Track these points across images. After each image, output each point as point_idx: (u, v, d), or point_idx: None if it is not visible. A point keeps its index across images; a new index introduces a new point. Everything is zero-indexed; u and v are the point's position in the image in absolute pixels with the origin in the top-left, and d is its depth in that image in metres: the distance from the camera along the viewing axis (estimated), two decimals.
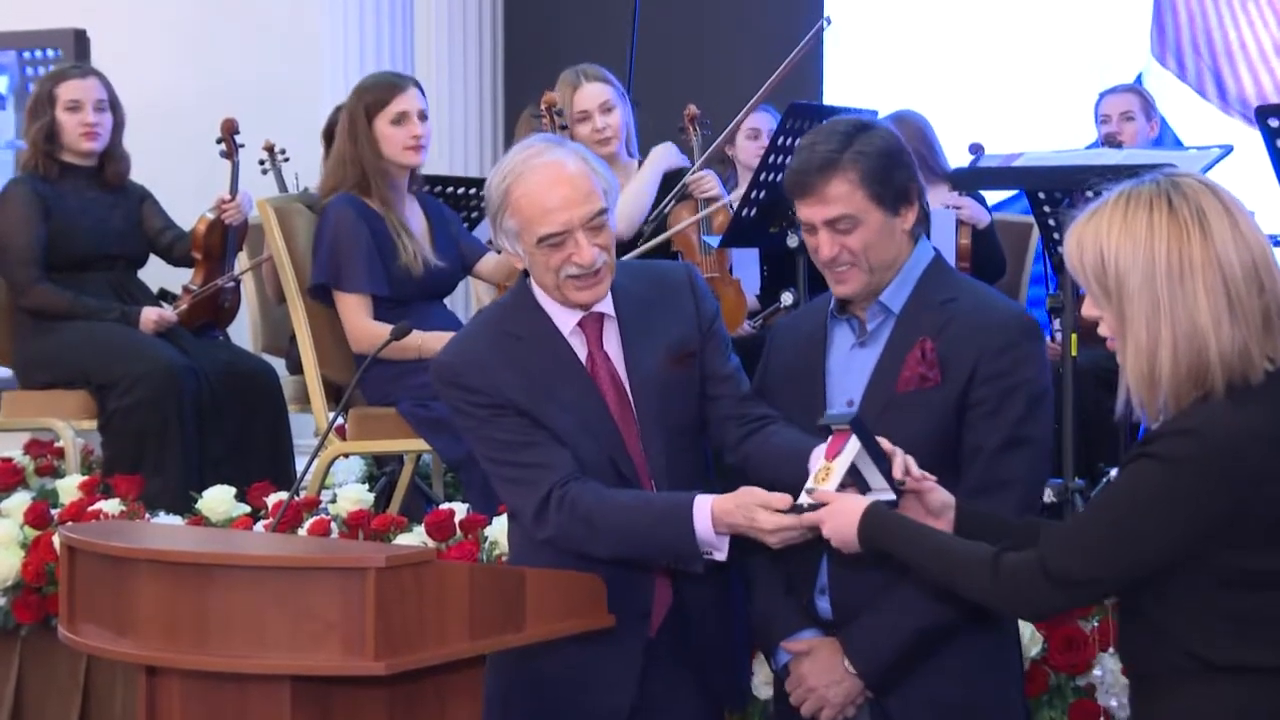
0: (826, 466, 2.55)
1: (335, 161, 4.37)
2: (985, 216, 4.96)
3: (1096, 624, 3.30)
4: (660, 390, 2.82)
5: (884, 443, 2.53)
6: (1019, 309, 2.83)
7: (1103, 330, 2.29)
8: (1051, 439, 2.83)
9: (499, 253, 2.86)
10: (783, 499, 2.59)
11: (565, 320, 2.84)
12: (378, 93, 4.33)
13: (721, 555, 2.69)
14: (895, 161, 2.75)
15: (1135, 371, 2.23)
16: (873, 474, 2.53)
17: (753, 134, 5.55)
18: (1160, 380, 2.20)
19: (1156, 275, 2.18)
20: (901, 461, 2.51)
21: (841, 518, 2.44)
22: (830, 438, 2.56)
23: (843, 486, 2.52)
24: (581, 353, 2.84)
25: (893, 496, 2.51)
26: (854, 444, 2.52)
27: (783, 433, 2.83)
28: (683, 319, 2.89)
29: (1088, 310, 2.29)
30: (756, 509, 2.61)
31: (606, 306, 2.85)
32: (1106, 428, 4.21)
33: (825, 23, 4.64)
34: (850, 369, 2.81)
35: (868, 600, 2.75)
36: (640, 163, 4.79)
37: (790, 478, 2.64)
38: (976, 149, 5.05)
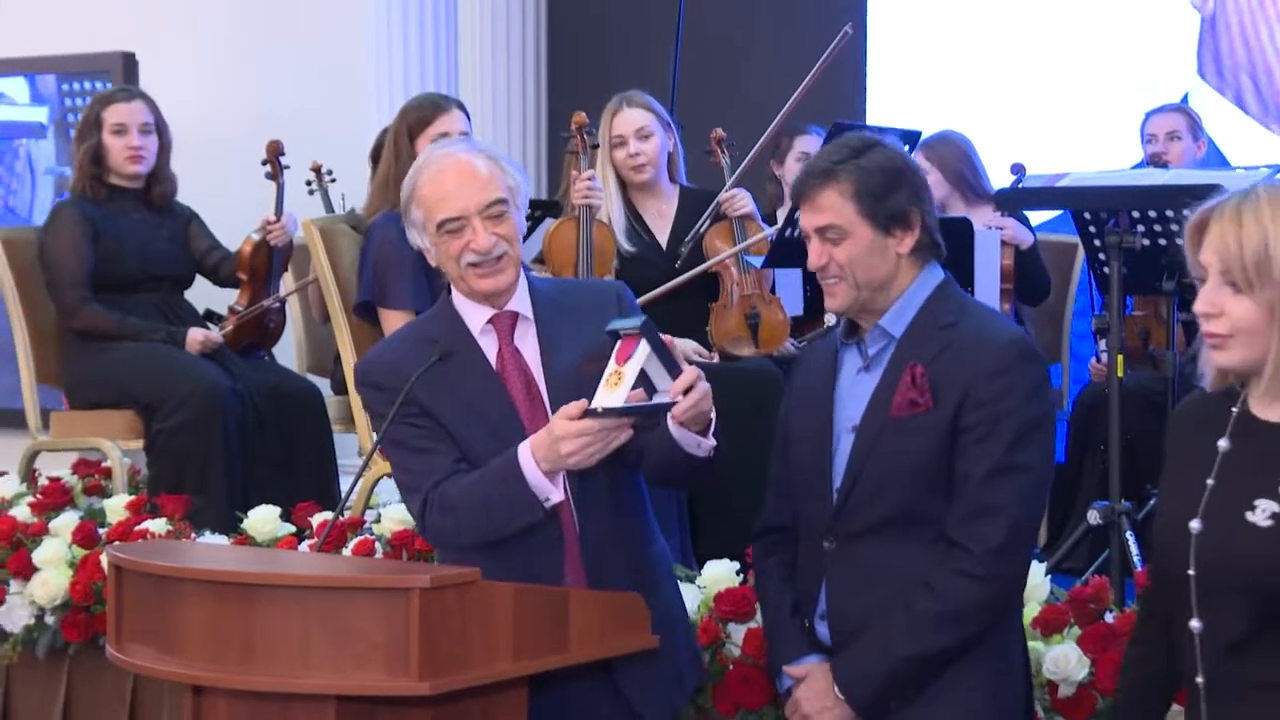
0: (618, 371, 2.63)
1: (380, 182, 4.40)
2: (1029, 237, 4.94)
3: None
4: (575, 389, 2.82)
5: (673, 348, 2.66)
6: (1016, 333, 2.80)
7: (1216, 327, 2.27)
8: (1049, 468, 2.78)
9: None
10: (579, 405, 2.65)
11: (476, 320, 2.92)
12: (420, 113, 4.36)
13: (557, 496, 2.75)
14: (895, 181, 2.75)
15: (1275, 365, 2.23)
16: (661, 378, 2.65)
17: (803, 157, 5.55)
18: None
19: None
20: (689, 376, 2.65)
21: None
22: (619, 343, 2.65)
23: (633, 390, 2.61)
24: (491, 350, 2.91)
25: (667, 404, 2.63)
26: (644, 348, 2.63)
27: None
28: (604, 325, 2.91)
29: (1205, 306, 2.27)
30: (555, 420, 2.68)
31: (523, 307, 2.92)
32: (1154, 450, 4.19)
33: (846, 32, 4.63)
34: (854, 394, 2.82)
35: (866, 625, 2.75)
36: (684, 189, 4.81)
37: (666, 444, 2.75)
38: (1018, 169, 5.04)
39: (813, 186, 2.77)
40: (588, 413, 2.66)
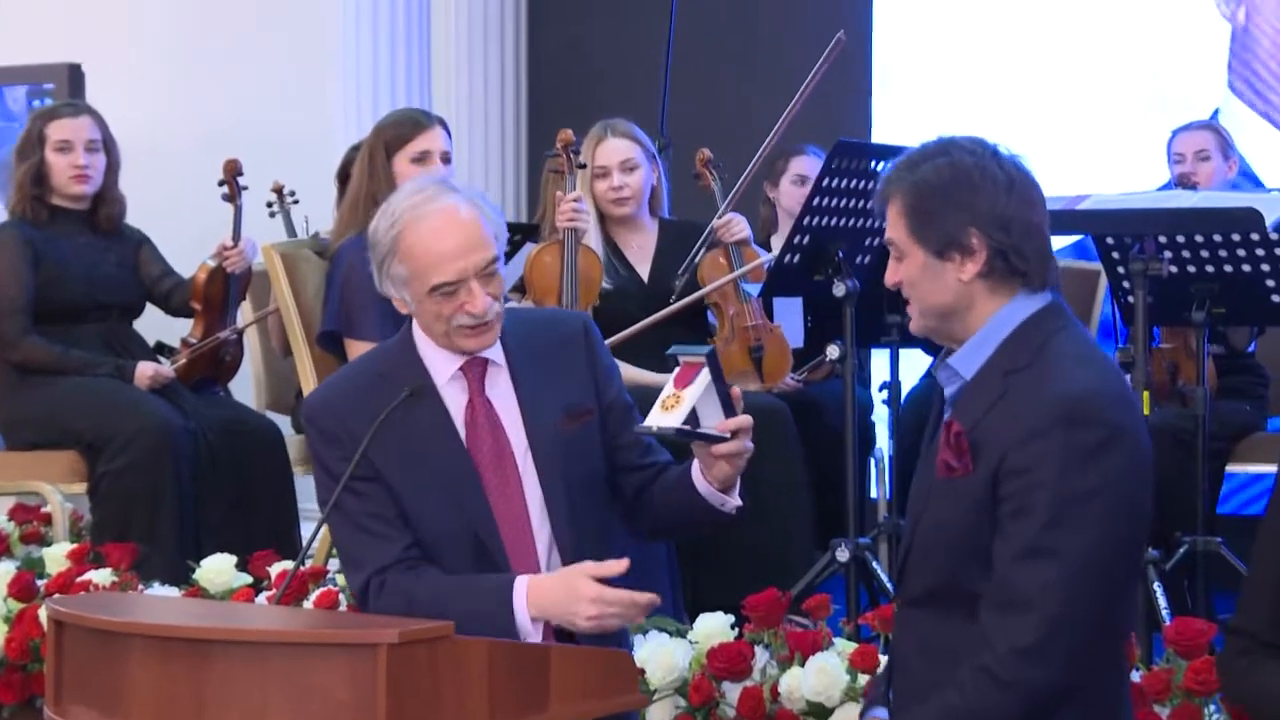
0: (676, 394, 2.72)
1: (350, 203, 4.40)
2: None
3: None
4: (561, 447, 2.89)
5: (733, 391, 2.76)
6: (1075, 389, 2.51)
7: None
8: (1098, 553, 2.47)
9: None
10: (608, 567, 2.72)
11: (443, 367, 2.90)
12: (399, 129, 4.37)
13: (536, 639, 2.77)
14: (947, 200, 2.59)
15: None
16: (713, 413, 2.74)
17: (798, 180, 5.56)
18: None
19: None
20: (744, 420, 2.75)
21: None
22: (679, 368, 2.75)
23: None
24: (460, 400, 2.90)
25: (724, 437, 2.74)
26: (705, 377, 2.72)
27: (671, 470, 2.98)
28: (577, 375, 2.97)
29: None
30: (579, 577, 2.72)
31: (494, 353, 2.92)
32: (1183, 492, 4.20)
33: (840, 39, 4.64)
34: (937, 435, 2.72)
35: (915, 698, 2.68)
36: (664, 221, 4.82)
37: (685, 499, 2.86)
38: None
39: (881, 197, 2.68)
40: (637, 430, 2.78)
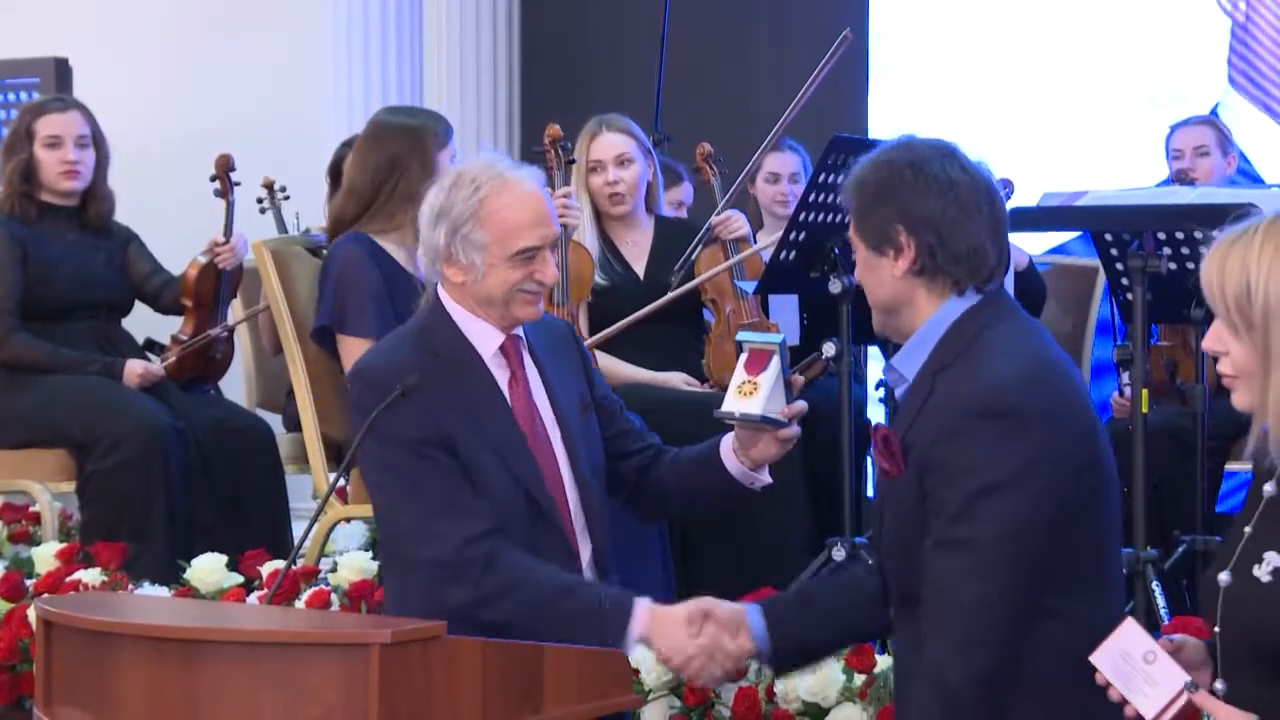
0: (751, 380, 2.88)
1: (346, 198, 4.37)
2: (1023, 257, 4.94)
3: None
4: (582, 429, 3.06)
5: (794, 378, 2.96)
6: (991, 380, 2.56)
7: (1224, 368, 2.27)
8: (1012, 541, 2.51)
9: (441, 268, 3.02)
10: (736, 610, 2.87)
11: (488, 343, 3.02)
12: (446, 130, 4.41)
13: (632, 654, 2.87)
14: (879, 195, 2.68)
15: (1277, 410, 2.21)
16: (777, 397, 2.90)
17: (771, 177, 5.55)
18: None
19: None
20: (801, 406, 2.95)
21: None
22: (747, 354, 2.92)
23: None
24: (502, 376, 3.02)
25: (785, 422, 2.92)
26: (776, 364, 2.90)
27: (684, 449, 3.13)
28: (576, 370, 3.15)
29: (1213, 344, 2.27)
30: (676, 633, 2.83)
31: (521, 331, 3.07)
32: (1182, 491, 4.21)
33: (847, 36, 4.64)
34: None
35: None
36: (660, 219, 4.83)
37: (710, 479, 3.03)
38: (1005, 185, 5.02)
39: (843, 198, 2.83)
40: (719, 415, 2.94)
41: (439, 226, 2.99)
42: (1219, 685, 2.31)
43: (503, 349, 3.03)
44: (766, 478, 3.04)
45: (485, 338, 3.02)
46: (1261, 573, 2.27)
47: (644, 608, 2.85)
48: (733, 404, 2.93)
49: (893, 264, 2.68)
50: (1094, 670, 2.33)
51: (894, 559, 2.68)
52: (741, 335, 2.99)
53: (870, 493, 4.95)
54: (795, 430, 2.98)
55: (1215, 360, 2.32)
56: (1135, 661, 2.30)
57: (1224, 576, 2.32)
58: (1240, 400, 2.29)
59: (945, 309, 2.67)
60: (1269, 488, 2.32)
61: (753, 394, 2.89)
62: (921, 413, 2.62)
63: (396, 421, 2.90)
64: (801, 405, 2.97)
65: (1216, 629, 2.33)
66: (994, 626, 2.53)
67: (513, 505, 2.94)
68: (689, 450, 3.12)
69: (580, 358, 3.18)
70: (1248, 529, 2.33)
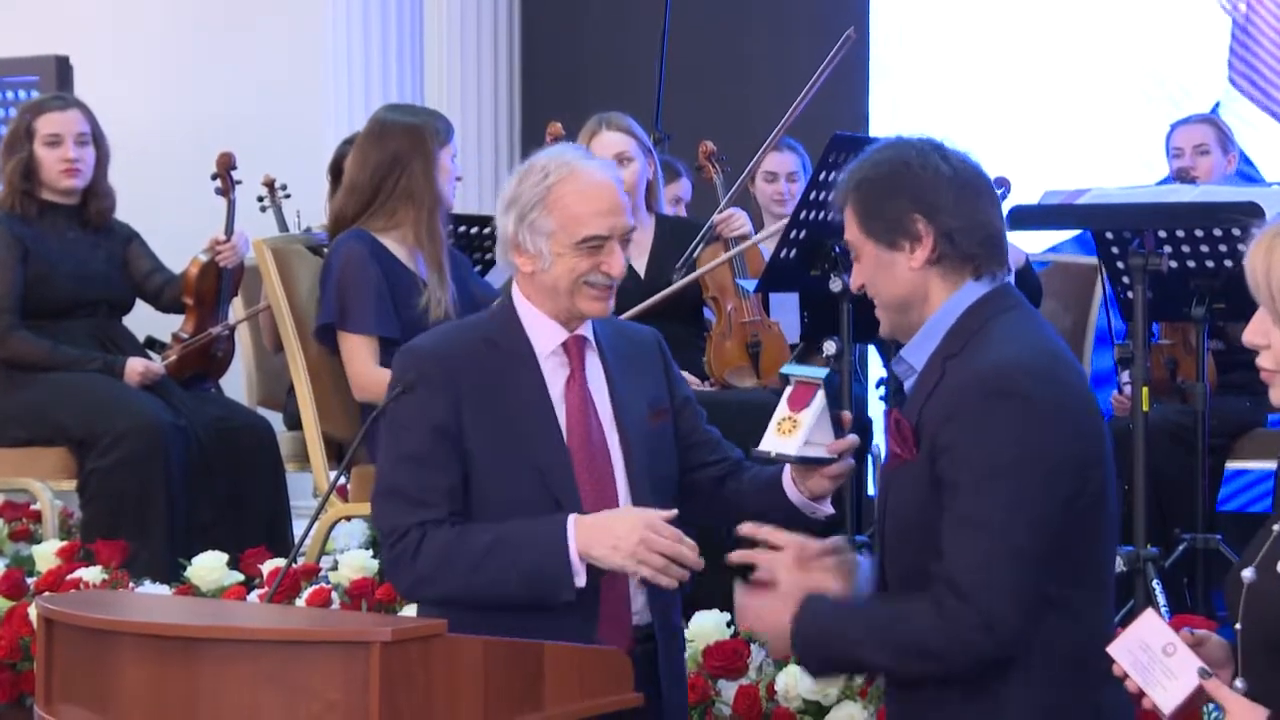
0: (792, 418, 2.78)
1: (346, 196, 4.37)
2: (1021, 256, 4.95)
3: None
4: (646, 439, 2.99)
5: (843, 415, 2.87)
6: (995, 362, 2.58)
7: (1264, 361, 2.25)
8: (1024, 527, 2.51)
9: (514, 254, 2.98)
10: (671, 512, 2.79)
11: (547, 339, 2.97)
12: (447, 129, 4.41)
13: (581, 581, 2.81)
14: (889, 188, 2.66)
15: None
16: (823, 433, 2.82)
17: (769, 176, 5.55)
18: None
19: None
20: (850, 441, 2.87)
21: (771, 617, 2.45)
22: (792, 388, 2.80)
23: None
24: (559, 375, 2.97)
25: (828, 459, 2.83)
26: (820, 400, 2.80)
27: (760, 469, 3.05)
28: (656, 378, 3.08)
29: (1252, 336, 2.25)
30: (635, 508, 2.81)
31: (588, 333, 3.01)
32: (1183, 489, 4.21)
33: (850, 35, 4.64)
34: None
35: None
36: (660, 217, 4.83)
37: (776, 504, 2.96)
38: (1001, 183, 5.03)
39: (834, 207, 2.77)
40: (755, 455, 2.84)
41: (509, 214, 2.97)
42: (1239, 683, 2.30)
43: (564, 345, 2.97)
44: (828, 509, 2.98)
45: (546, 334, 2.97)
46: None
47: (572, 520, 2.82)
48: (770, 442, 2.85)
49: (909, 257, 2.66)
50: (1089, 661, 2.32)
51: (897, 545, 2.67)
52: (787, 368, 2.91)
53: (871, 491, 4.95)
54: (846, 465, 2.90)
55: (1227, 353, 2.32)
56: (1154, 653, 2.29)
57: (1248, 573, 2.31)
58: (1277, 395, 2.27)
59: (957, 297, 2.67)
60: None
61: (792, 432, 2.81)
62: (931, 397, 2.62)
63: (408, 405, 2.89)
64: (851, 440, 2.89)
65: (1238, 626, 2.32)
66: (1008, 602, 2.50)
67: (535, 509, 2.88)
68: (763, 471, 3.05)
69: (663, 365, 3.10)
70: (1276, 526, 2.31)
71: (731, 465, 3.10)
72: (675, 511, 2.82)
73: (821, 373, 2.82)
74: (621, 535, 2.79)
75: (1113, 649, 2.33)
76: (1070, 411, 2.59)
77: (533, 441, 2.91)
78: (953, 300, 2.67)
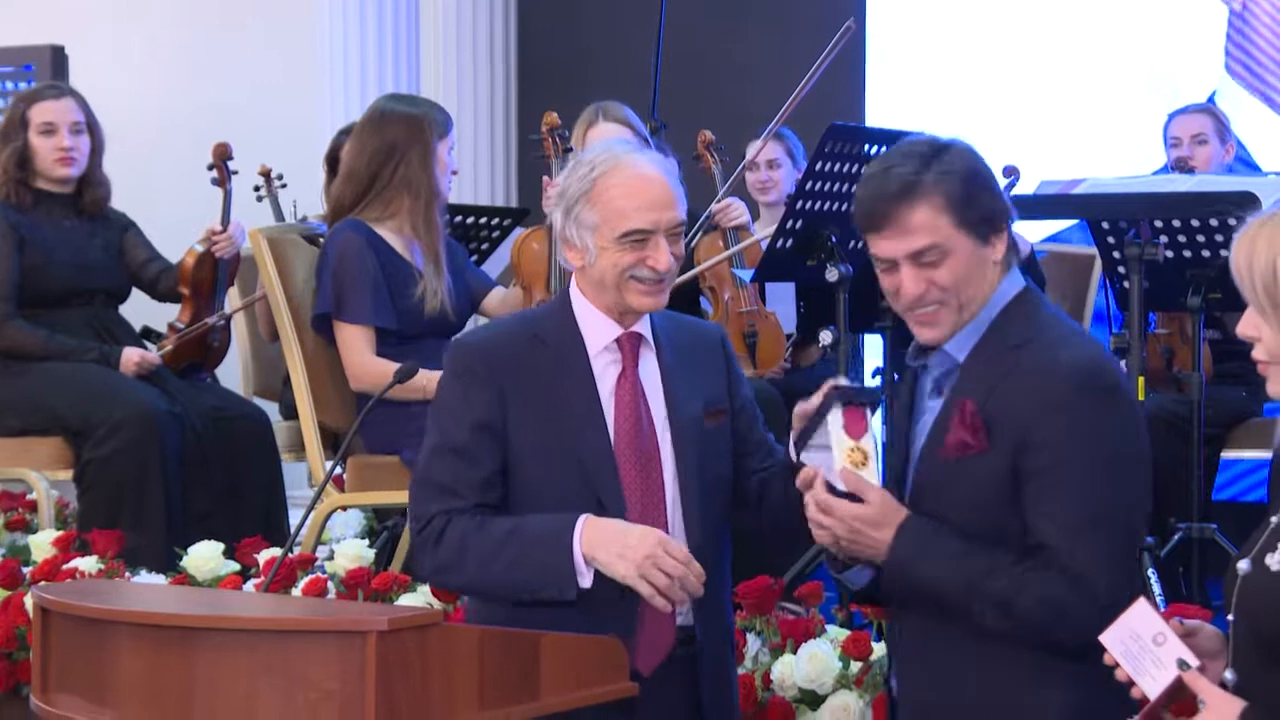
0: (857, 448, 2.68)
1: (343, 185, 4.37)
2: (1027, 247, 4.95)
3: None
4: (700, 437, 2.94)
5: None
6: (1084, 358, 2.62)
7: (1259, 354, 2.25)
8: (1138, 511, 2.64)
9: (568, 251, 2.95)
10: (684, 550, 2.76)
11: (599, 336, 2.93)
12: (445, 121, 4.40)
13: (585, 582, 2.80)
14: (982, 183, 2.67)
15: None
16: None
17: (752, 166, 5.54)
18: None
19: None
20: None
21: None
22: (843, 411, 2.69)
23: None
24: (610, 372, 2.93)
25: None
26: (874, 421, 2.73)
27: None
28: (715, 376, 3.03)
29: (1246, 329, 2.25)
30: (646, 526, 2.77)
31: (646, 332, 2.95)
32: (1178, 480, 4.22)
33: (849, 26, 4.63)
34: (927, 422, 2.75)
35: (932, 686, 2.71)
36: None
37: None
38: (1011, 172, 5.04)
39: (896, 207, 2.63)
40: (834, 491, 2.68)
41: (559, 207, 2.94)
42: (1228, 675, 2.29)
43: (617, 342, 2.93)
44: None
45: (599, 330, 2.93)
46: (1273, 561, 2.26)
47: (583, 520, 2.80)
48: (839, 477, 2.70)
49: (994, 250, 2.68)
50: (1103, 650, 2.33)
51: None
52: (840, 381, 2.76)
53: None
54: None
55: (1223, 343, 2.32)
56: (1145, 643, 2.31)
57: (1243, 565, 2.31)
58: (1275, 389, 2.26)
59: (1002, 289, 2.70)
60: None
61: (865, 464, 2.67)
62: (1002, 389, 2.61)
63: (453, 398, 2.90)
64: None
65: (1230, 617, 2.32)
66: (1119, 600, 2.52)
67: (578, 506, 2.85)
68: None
69: (725, 364, 3.04)
70: (1274, 519, 2.31)
71: (778, 469, 3.03)
72: (685, 550, 2.80)
73: (878, 391, 2.73)
74: (631, 546, 2.77)
75: (1104, 637, 2.34)
76: (1135, 403, 2.71)
77: (577, 438, 2.88)
78: (1001, 290, 2.69)
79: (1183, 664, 2.27)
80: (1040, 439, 2.57)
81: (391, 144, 4.32)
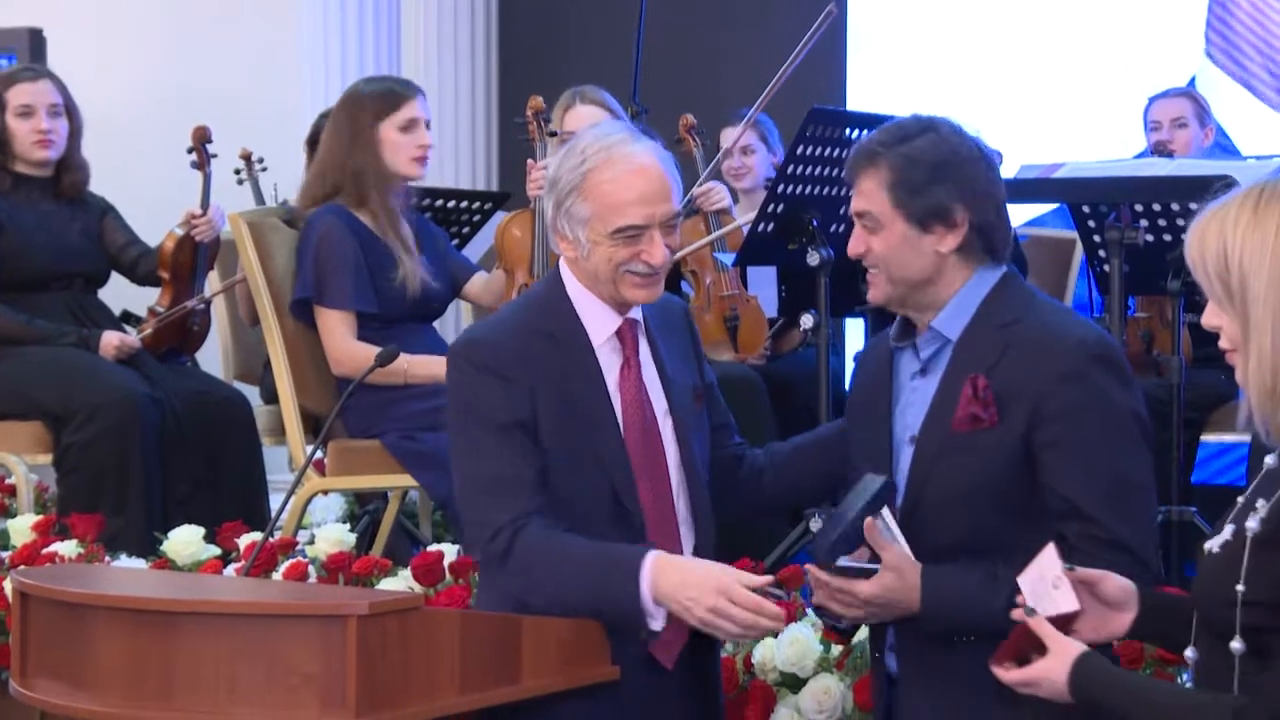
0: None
1: (319, 170, 4.37)
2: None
3: None
4: (696, 423, 2.96)
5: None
6: (1087, 331, 2.72)
7: (1223, 343, 2.26)
8: (1151, 469, 2.73)
9: (560, 241, 2.91)
10: (765, 579, 2.70)
11: (601, 327, 2.89)
12: (387, 98, 4.35)
13: (658, 626, 2.74)
14: (937, 174, 2.70)
15: (1257, 385, 2.20)
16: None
17: (726, 153, 5.53)
18: None
19: None
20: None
21: (1052, 675, 2.35)
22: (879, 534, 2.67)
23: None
24: (614, 362, 2.90)
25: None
26: (887, 522, 2.71)
27: (773, 445, 3.09)
28: (690, 355, 3.03)
29: (1209, 319, 2.26)
30: (719, 567, 2.69)
31: (637, 313, 2.93)
32: (1158, 462, 4.22)
33: (831, 10, 4.62)
34: (912, 401, 2.79)
35: (933, 658, 2.74)
36: None
37: (823, 465, 3.00)
38: (995, 156, 5.03)
39: (856, 168, 2.74)
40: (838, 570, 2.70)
41: (550, 197, 2.88)
42: (1189, 653, 2.31)
43: (618, 333, 2.90)
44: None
45: (600, 321, 2.88)
46: (1214, 544, 2.28)
47: (650, 564, 2.71)
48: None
49: (939, 240, 2.72)
50: None
51: (947, 511, 2.69)
52: (872, 480, 2.73)
53: None
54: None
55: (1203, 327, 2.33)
56: (1046, 585, 2.40)
57: (1209, 545, 2.32)
58: (1240, 375, 2.27)
59: (980, 276, 2.76)
60: (1270, 460, 2.30)
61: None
62: (1001, 365, 2.67)
63: (486, 399, 2.81)
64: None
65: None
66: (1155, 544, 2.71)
67: (598, 505, 2.84)
68: (780, 451, 3.08)
69: (692, 341, 3.04)
70: (1240, 500, 2.32)
71: (742, 452, 3.06)
72: (767, 580, 2.74)
73: (874, 490, 2.70)
74: (695, 598, 2.69)
75: (1020, 578, 2.43)
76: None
77: (593, 433, 2.85)
78: (976, 278, 2.75)
79: (1029, 610, 2.37)
80: (1054, 409, 2.64)
81: (338, 129, 4.33)
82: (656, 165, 2.85)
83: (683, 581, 2.70)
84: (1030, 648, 2.36)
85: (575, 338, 2.87)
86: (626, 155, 2.83)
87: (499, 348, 2.85)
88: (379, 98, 4.34)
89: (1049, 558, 2.41)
